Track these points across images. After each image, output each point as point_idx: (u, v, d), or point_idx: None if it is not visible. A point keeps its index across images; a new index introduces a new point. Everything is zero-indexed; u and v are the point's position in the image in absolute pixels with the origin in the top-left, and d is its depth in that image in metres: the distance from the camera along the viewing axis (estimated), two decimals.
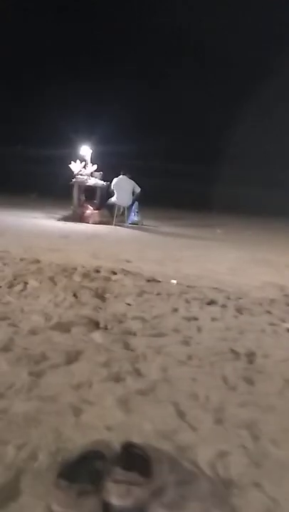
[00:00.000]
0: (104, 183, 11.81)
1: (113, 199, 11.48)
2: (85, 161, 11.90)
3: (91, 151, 11.96)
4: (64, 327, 3.45)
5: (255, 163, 19.44)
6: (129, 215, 11.48)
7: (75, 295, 4.36)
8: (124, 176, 11.52)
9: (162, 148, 21.89)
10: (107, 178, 11.82)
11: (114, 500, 1.53)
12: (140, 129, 22.04)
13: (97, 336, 3.32)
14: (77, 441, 1.98)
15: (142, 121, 23.54)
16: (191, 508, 1.64)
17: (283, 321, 4.22)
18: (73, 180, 11.72)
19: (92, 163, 11.98)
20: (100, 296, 4.48)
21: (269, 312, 4.50)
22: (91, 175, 11.84)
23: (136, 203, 11.53)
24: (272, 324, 4.07)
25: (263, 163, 18.90)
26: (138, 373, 2.75)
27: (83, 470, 1.64)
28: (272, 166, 17.95)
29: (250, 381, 2.80)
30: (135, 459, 1.68)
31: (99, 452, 1.70)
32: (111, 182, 11.63)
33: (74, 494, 1.50)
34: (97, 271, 5.53)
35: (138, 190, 11.44)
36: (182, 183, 20.40)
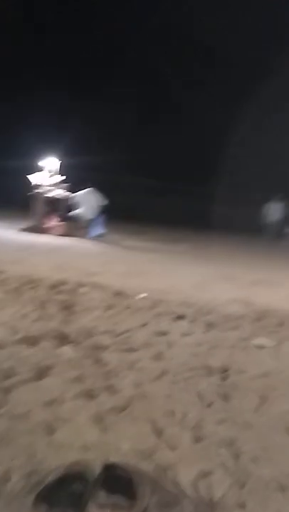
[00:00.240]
0: (69, 195, 11.66)
1: (78, 211, 11.35)
2: (49, 172, 11.72)
3: (59, 162, 11.79)
4: (32, 340, 3.32)
5: (234, 182, 19.66)
6: (93, 228, 11.37)
7: (42, 307, 4.23)
8: (90, 189, 11.43)
9: (134, 162, 21.92)
10: (75, 190, 11.67)
11: None
12: (117, 141, 21.96)
13: (66, 350, 3.21)
14: (52, 461, 1.87)
15: (122, 133, 23.46)
16: None
17: (253, 336, 4.22)
18: (34, 191, 11.51)
19: (61, 174, 11.81)
20: (68, 309, 4.35)
21: (237, 328, 4.49)
22: (56, 186, 11.68)
23: (101, 215, 11.43)
24: (242, 340, 4.05)
25: (239, 183, 19.13)
26: (111, 389, 2.65)
27: (63, 493, 1.53)
28: (246, 186, 18.20)
29: (225, 397, 2.75)
30: (117, 481, 1.59)
31: (79, 474, 1.60)
32: (76, 194, 11.51)
33: None
34: (64, 283, 5.40)
35: (103, 203, 11.36)
36: (152, 197, 20.44)
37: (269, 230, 17.44)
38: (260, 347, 3.91)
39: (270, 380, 3.14)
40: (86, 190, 11.42)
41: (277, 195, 17.27)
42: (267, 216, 17.43)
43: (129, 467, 1.75)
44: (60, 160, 11.83)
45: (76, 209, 11.40)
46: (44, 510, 1.41)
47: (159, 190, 21.59)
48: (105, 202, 11.40)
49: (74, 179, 11.83)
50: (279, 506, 1.77)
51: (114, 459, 1.92)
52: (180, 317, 4.59)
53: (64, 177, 11.80)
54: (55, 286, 5.13)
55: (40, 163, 11.78)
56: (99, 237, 11.23)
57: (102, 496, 1.47)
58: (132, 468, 1.74)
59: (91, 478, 1.60)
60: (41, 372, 2.76)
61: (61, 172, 11.90)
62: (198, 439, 2.21)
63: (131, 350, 3.41)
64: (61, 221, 11.46)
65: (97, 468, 1.74)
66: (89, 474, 1.63)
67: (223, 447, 2.17)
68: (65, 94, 20.47)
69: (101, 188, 11.64)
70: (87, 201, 11.29)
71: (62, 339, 3.43)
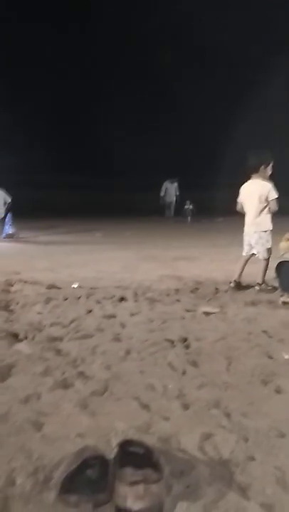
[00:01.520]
0: None
1: None
2: None
3: None
4: None
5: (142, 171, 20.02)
6: (3, 228, 10.88)
7: None
8: None
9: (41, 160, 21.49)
10: None
11: (132, 504, 1.36)
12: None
13: (22, 347, 3.04)
14: (52, 455, 1.76)
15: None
16: (204, 494, 1.53)
17: (196, 306, 4.29)
18: None
19: None
20: (5, 308, 4.13)
21: (178, 300, 4.55)
22: None
23: (9, 214, 10.97)
24: (188, 311, 4.11)
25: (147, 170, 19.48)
26: (84, 376, 2.56)
27: (85, 480, 1.44)
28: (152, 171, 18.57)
29: (195, 364, 2.77)
30: (137, 456, 1.53)
31: (96, 457, 1.51)
32: None
33: (89, 508, 1.30)
34: None
35: (9, 200, 10.91)
36: (53, 193, 20.08)
37: (167, 209, 18.26)
38: (208, 314, 3.99)
39: (228, 342, 3.22)
40: None
41: (171, 177, 18.11)
42: (164, 197, 18.18)
43: (143, 441, 1.69)
44: None
45: None
46: (75, 500, 1.32)
47: (66, 185, 21.39)
48: (10, 198, 10.94)
49: None
50: (287, 451, 1.81)
51: (114, 439, 1.85)
52: (122, 299, 4.55)
53: None
54: None
55: None
56: (10, 237, 10.78)
57: (128, 473, 1.40)
58: (145, 442, 1.68)
59: (109, 459, 1.52)
60: (4, 373, 2.58)
61: None
62: (186, 406, 2.20)
63: (87, 336, 3.31)
64: None
65: (106, 450, 1.66)
66: (105, 456, 1.55)
67: (213, 409, 2.18)
68: None
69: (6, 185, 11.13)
70: None
71: (13, 337, 3.25)
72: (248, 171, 5.08)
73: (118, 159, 21.80)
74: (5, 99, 20.18)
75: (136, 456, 1.53)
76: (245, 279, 5.17)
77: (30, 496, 1.52)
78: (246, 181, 5.15)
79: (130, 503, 1.37)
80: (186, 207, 17.71)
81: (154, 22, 23.17)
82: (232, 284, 5.02)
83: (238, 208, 5.23)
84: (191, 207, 17.59)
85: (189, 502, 1.48)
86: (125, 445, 1.57)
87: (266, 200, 4.92)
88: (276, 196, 4.89)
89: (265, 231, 5.01)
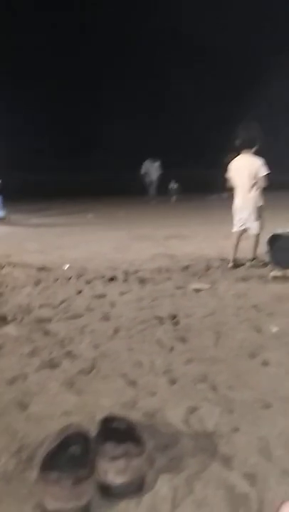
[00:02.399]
0: None
1: None
2: None
3: None
4: None
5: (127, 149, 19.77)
6: None
7: None
8: None
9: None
10: None
11: (113, 479, 1.36)
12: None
13: (10, 329, 3.03)
14: (37, 434, 1.76)
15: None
16: (187, 466, 1.54)
17: (186, 283, 4.29)
18: None
19: None
20: None
21: (170, 279, 4.54)
22: None
23: (0, 196, 10.86)
24: (178, 288, 4.10)
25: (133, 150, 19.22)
26: (71, 355, 2.55)
27: (67, 457, 1.44)
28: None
29: (183, 340, 2.77)
30: (119, 432, 1.53)
31: (78, 434, 1.51)
32: None
33: (68, 484, 1.30)
34: None
35: None
36: (44, 176, 19.98)
37: (150, 188, 17.75)
38: (198, 290, 3.98)
39: (217, 317, 3.22)
40: None
41: (152, 157, 17.53)
42: (144, 176, 17.66)
43: (125, 417, 1.69)
44: None
45: None
46: (55, 477, 1.31)
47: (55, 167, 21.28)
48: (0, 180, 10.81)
49: None
50: (271, 421, 1.82)
51: (100, 416, 1.85)
52: (112, 279, 4.53)
53: None
54: None
55: None
56: (1, 220, 10.70)
57: (109, 448, 1.40)
58: (127, 418, 1.68)
59: (90, 436, 1.52)
60: None
61: None
62: (173, 381, 2.20)
63: (76, 316, 3.30)
64: None
65: (91, 427, 1.66)
66: (87, 432, 1.55)
67: (199, 383, 2.18)
68: None
69: None
70: None
71: (1, 320, 3.23)
72: (238, 147, 5.01)
73: (107, 141, 21.72)
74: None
75: (118, 431, 1.53)
76: (238, 255, 5.15)
77: (12, 475, 1.52)
78: (236, 156, 5.09)
79: (111, 477, 1.37)
80: (170, 185, 17.20)
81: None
82: (230, 265, 5.00)
83: (229, 184, 5.19)
84: (175, 186, 17.08)
85: (172, 474, 1.49)
86: (107, 421, 1.57)
87: (256, 176, 4.87)
88: (266, 173, 4.84)
89: (257, 206, 4.98)
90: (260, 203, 5.00)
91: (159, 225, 9.48)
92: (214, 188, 15.56)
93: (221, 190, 15.23)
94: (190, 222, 9.65)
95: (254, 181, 4.90)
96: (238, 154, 5.06)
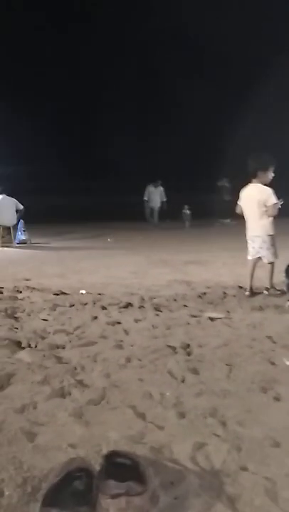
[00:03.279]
0: None
1: None
2: None
3: None
4: None
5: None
6: (15, 235, 10.97)
7: None
8: (4, 195, 10.97)
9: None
10: None
11: None
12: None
13: (24, 355, 3.05)
14: (42, 466, 1.76)
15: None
16: (191, 506, 1.51)
17: (202, 311, 4.27)
18: None
19: None
20: (11, 316, 4.15)
21: (186, 306, 4.53)
22: None
23: (21, 221, 11.05)
24: (193, 316, 4.09)
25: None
26: (82, 384, 2.55)
27: (69, 492, 1.43)
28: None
29: (195, 371, 2.74)
30: (123, 468, 1.52)
31: (82, 469, 1.50)
32: None
33: None
34: (0, 292, 5.16)
35: (21, 207, 10.98)
36: (67, 197, 20.34)
37: (150, 216, 16.08)
38: (213, 319, 3.96)
39: (231, 348, 3.19)
40: (0, 196, 10.93)
41: (154, 181, 16.01)
42: (148, 202, 15.99)
43: (129, 452, 1.67)
44: None
45: None
46: None
47: (77, 190, 21.66)
48: (22, 206, 11.01)
49: None
50: (280, 461, 1.78)
51: (106, 450, 1.84)
52: (128, 305, 4.54)
53: None
54: None
55: None
56: (23, 244, 10.87)
57: (111, 485, 1.39)
58: (131, 453, 1.67)
59: (94, 471, 1.52)
60: (3, 382, 2.59)
61: None
62: (182, 415, 2.18)
63: (89, 344, 3.31)
64: None
65: (96, 460, 1.66)
66: (91, 467, 1.54)
67: (209, 417, 2.15)
68: None
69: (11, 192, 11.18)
70: (5, 208, 10.84)
71: (16, 346, 3.26)
72: (248, 175, 5.05)
73: (123, 164, 21.98)
74: (15, 113, 20.64)
75: (121, 468, 1.52)
76: (255, 284, 5.12)
77: (16, 508, 1.52)
78: (247, 185, 5.12)
79: None
80: (183, 211, 16.20)
81: (154, 22, 23.27)
82: (247, 293, 4.98)
83: (238, 210, 5.22)
84: (188, 212, 16.10)
85: None
86: (111, 457, 1.56)
87: (265, 204, 4.88)
88: (275, 202, 4.84)
89: (268, 235, 4.97)
90: (272, 232, 4.99)
91: (178, 250, 9.51)
92: (214, 214, 15.48)
93: (220, 216, 15.26)
94: (208, 248, 9.65)
95: (264, 210, 4.90)
96: (250, 182, 5.08)
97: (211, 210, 15.43)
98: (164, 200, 15.95)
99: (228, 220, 14.64)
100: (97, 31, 26.24)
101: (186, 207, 16.19)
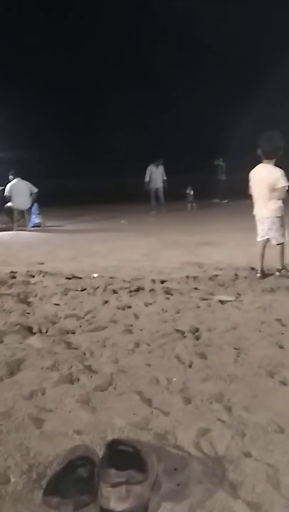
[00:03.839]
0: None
1: (10, 203, 10.95)
2: None
3: None
4: None
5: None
6: (30, 218, 11.03)
7: None
8: (18, 178, 11.02)
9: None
10: (3, 183, 11.18)
11: (115, 505, 1.37)
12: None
13: (34, 340, 3.09)
14: (48, 452, 1.79)
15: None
16: (193, 493, 1.53)
17: (212, 294, 4.26)
18: None
19: None
20: (24, 301, 4.20)
21: (196, 289, 4.52)
22: None
23: (35, 204, 11.10)
24: (203, 299, 4.08)
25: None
26: (90, 370, 2.58)
27: (71, 481, 1.46)
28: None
29: (203, 356, 2.75)
30: (124, 456, 1.54)
31: (84, 458, 1.53)
32: (4, 187, 11.07)
33: (70, 510, 1.32)
34: (13, 276, 5.21)
35: (35, 190, 11.02)
36: (79, 180, 20.38)
37: (154, 198, 15.39)
38: (223, 302, 3.95)
39: (239, 331, 3.19)
40: (15, 180, 11.00)
41: (156, 160, 15.36)
42: (149, 183, 15.29)
43: (131, 440, 1.70)
44: None
45: (8, 202, 10.99)
46: (56, 502, 1.34)
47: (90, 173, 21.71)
48: (36, 189, 11.04)
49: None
50: (283, 447, 1.79)
51: (111, 436, 1.87)
52: (139, 289, 4.55)
53: None
54: (5, 281, 4.93)
55: None
56: (37, 227, 10.93)
57: (112, 474, 1.41)
58: (134, 441, 1.69)
59: (96, 460, 1.54)
60: (13, 368, 2.63)
61: None
62: (188, 400, 2.20)
63: (99, 328, 3.33)
64: None
65: (99, 448, 1.68)
66: (93, 456, 1.56)
67: (214, 403, 2.16)
68: None
69: (27, 176, 11.22)
70: (19, 191, 10.90)
71: (27, 331, 3.31)
72: (259, 156, 4.96)
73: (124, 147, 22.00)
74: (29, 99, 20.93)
75: (123, 456, 1.54)
76: (267, 264, 5.09)
77: (21, 495, 1.56)
78: (257, 165, 5.04)
79: (113, 504, 1.38)
80: (187, 192, 15.58)
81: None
82: (258, 275, 4.95)
83: (251, 192, 5.14)
84: (192, 192, 15.50)
85: (175, 502, 1.49)
86: (113, 445, 1.58)
87: (275, 186, 4.80)
88: (285, 184, 4.76)
89: (277, 217, 4.91)
90: (280, 214, 4.93)
91: (190, 232, 9.47)
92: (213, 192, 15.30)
93: (219, 196, 15.07)
94: (221, 228, 9.59)
95: (273, 192, 4.83)
96: (259, 162, 5.01)
97: (212, 190, 15.31)
98: (165, 178, 15.36)
99: (225, 201, 14.54)
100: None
101: (189, 187, 15.66)
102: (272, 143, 4.88)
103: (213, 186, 15.72)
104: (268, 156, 4.88)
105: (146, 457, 1.56)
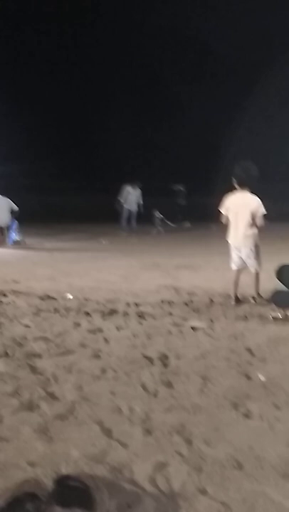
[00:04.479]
0: None
1: None
2: None
3: None
4: None
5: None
6: (9, 235, 10.93)
7: None
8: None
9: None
10: None
11: None
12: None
13: None
14: (0, 484, 1.73)
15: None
16: None
17: (186, 319, 4.24)
18: None
19: None
20: None
21: (170, 314, 4.50)
22: None
23: (15, 221, 11.01)
24: (176, 325, 4.06)
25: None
26: (52, 397, 2.53)
27: None
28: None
29: (169, 384, 2.72)
30: (72, 493, 1.49)
31: (30, 493, 1.48)
32: None
33: None
34: None
35: (16, 208, 10.95)
36: (61, 198, 20.27)
37: (125, 220, 14.61)
38: (195, 329, 3.93)
39: (208, 360, 3.16)
40: None
41: (132, 182, 14.60)
42: (124, 204, 14.50)
43: (83, 475, 1.65)
44: None
45: None
46: None
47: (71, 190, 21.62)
48: (17, 207, 10.97)
49: None
50: (238, 485, 1.76)
51: (64, 469, 1.82)
52: (112, 312, 4.51)
53: None
54: None
55: None
56: (16, 244, 10.83)
57: (57, 511, 1.37)
58: (85, 476, 1.64)
59: (43, 495, 1.49)
60: None
61: None
62: (148, 432, 2.16)
63: (67, 353, 3.28)
64: None
65: (48, 484, 1.63)
66: (41, 492, 1.52)
67: (175, 435, 2.13)
68: None
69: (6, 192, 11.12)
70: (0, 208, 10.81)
71: None
72: (235, 184, 5.01)
73: (121, 164, 21.89)
74: (11, 111, 20.72)
75: (72, 492, 1.49)
76: (243, 291, 5.09)
77: None
78: (231, 192, 5.08)
79: None
80: (156, 215, 14.72)
81: (155, 24, 23.31)
82: (233, 302, 4.94)
83: (224, 220, 5.13)
84: (160, 216, 14.71)
85: None
86: (62, 481, 1.53)
87: (254, 215, 4.85)
88: (264, 212, 4.82)
89: (255, 245, 4.95)
90: (257, 242, 4.97)
91: (171, 254, 9.46)
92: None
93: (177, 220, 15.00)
94: (202, 252, 9.61)
95: (252, 220, 4.87)
96: (233, 190, 5.05)
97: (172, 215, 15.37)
98: (141, 203, 14.70)
99: (188, 225, 14.64)
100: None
101: (156, 211, 14.82)
102: (248, 172, 4.94)
103: (172, 210, 15.69)
104: (243, 185, 4.93)
105: (96, 494, 1.52)
